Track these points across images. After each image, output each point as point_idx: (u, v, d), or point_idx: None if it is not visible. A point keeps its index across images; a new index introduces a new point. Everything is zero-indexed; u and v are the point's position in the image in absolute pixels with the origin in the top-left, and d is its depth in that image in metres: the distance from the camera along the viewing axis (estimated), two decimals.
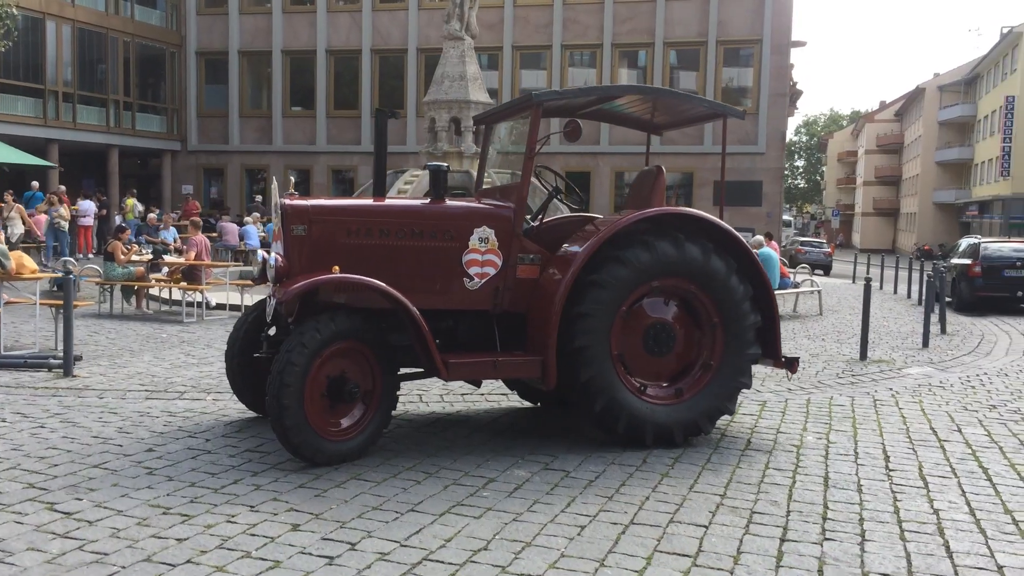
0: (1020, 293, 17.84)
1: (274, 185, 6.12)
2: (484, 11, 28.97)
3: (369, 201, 6.34)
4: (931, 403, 7.93)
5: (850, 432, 6.69)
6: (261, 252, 6.59)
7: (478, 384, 7.31)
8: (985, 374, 9.75)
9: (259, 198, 32.31)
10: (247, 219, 25.52)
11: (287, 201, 5.97)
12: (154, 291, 14.95)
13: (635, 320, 6.17)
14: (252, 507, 4.70)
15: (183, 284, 13.85)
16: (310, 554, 4.08)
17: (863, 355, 10.51)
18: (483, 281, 6.15)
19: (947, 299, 18.00)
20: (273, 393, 5.28)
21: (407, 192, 18.41)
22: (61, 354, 9.18)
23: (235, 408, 7.12)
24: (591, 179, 31.69)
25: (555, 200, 6.93)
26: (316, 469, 5.39)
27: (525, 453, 5.92)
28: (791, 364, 6.60)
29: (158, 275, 14.71)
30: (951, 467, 5.77)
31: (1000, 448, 6.30)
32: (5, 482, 5.03)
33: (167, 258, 15.07)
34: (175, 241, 21.23)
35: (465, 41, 19.96)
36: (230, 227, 24.64)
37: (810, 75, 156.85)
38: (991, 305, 17.77)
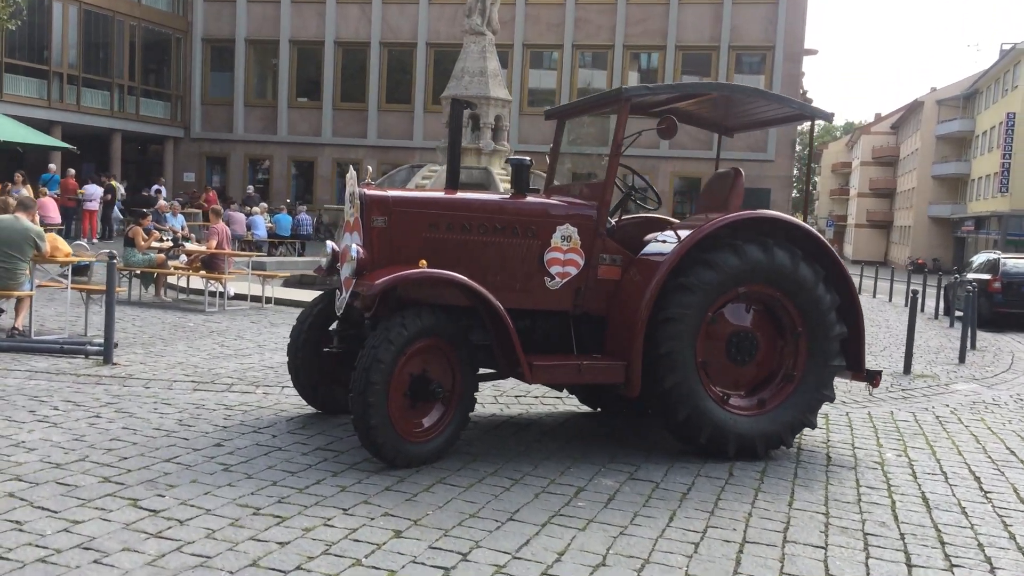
0: None
1: (351, 174, 5.89)
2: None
3: (452, 194, 6.12)
4: (994, 421, 7.79)
5: (927, 450, 6.53)
6: (331, 244, 6.37)
7: (560, 388, 7.13)
8: None
9: (251, 188, 31.89)
10: (255, 209, 25.24)
11: (368, 191, 5.75)
12: (172, 279, 14.66)
13: (718, 326, 5.99)
14: (345, 510, 4.48)
15: (204, 272, 13.58)
16: (423, 564, 3.87)
17: (907, 369, 10.36)
18: (564, 281, 5.95)
19: (959, 314, 17.96)
20: (358, 390, 5.05)
21: (424, 188, 18.16)
22: (93, 340, 8.93)
23: (290, 403, 6.90)
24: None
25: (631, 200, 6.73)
26: (396, 471, 5.18)
27: (605, 461, 5.72)
28: (873, 377, 6.43)
29: (177, 263, 14.43)
30: None
31: None
32: (78, 475, 4.79)
33: (188, 246, 14.76)
34: (183, 228, 20.93)
35: (487, 36, 19.72)
36: (237, 216, 24.36)
37: (809, 84, 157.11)
38: (1011, 321, 17.70)
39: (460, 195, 6.10)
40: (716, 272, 5.79)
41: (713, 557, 4.15)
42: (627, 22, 31.47)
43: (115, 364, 8.08)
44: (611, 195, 6.14)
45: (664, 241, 6.03)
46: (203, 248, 14.30)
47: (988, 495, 5.42)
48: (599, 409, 7.27)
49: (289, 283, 16.24)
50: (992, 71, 57.47)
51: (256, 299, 13.90)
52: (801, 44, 30.75)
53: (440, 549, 4.04)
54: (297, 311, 13.78)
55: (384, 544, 4.06)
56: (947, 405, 8.45)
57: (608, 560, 4.04)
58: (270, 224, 25.38)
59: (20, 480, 4.66)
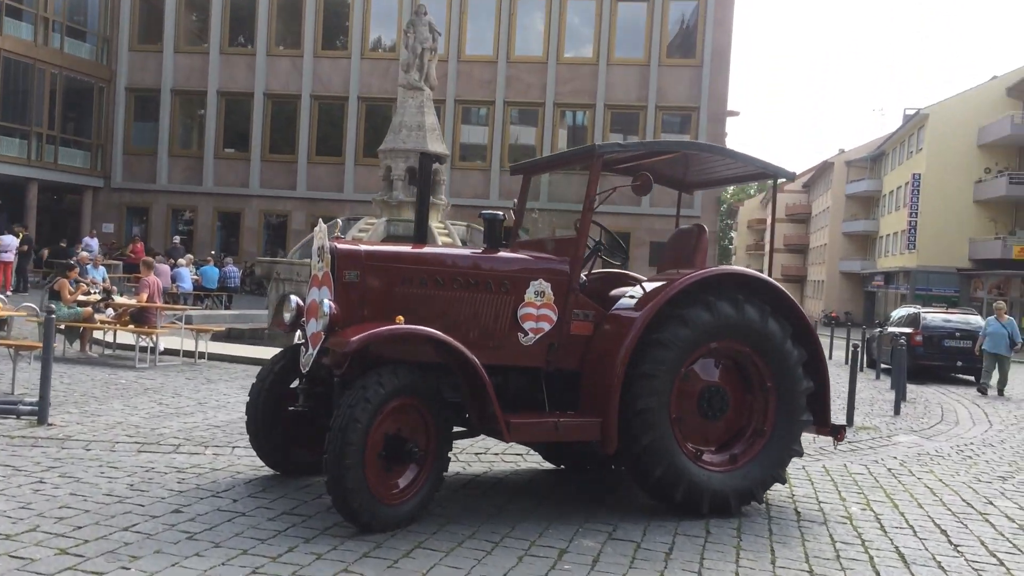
0: (959, 363, 18.42)
1: (320, 227, 5.74)
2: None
3: (425, 248, 6.01)
4: (944, 473, 7.95)
5: (887, 503, 6.61)
6: (294, 298, 6.17)
7: (535, 447, 7.03)
8: (970, 444, 9.89)
9: (177, 239, 31.18)
10: (180, 261, 24.59)
11: (340, 244, 5.61)
12: (98, 334, 14.08)
13: (690, 382, 5.98)
14: None
15: (134, 327, 13.09)
16: None
17: (849, 422, 10.54)
18: (537, 337, 5.88)
19: (884, 366, 18.50)
20: (335, 452, 4.86)
21: (361, 240, 17.96)
22: (24, 399, 8.46)
23: (244, 463, 6.63)
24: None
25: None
26: (370, 536, 4.97)
27: (581, 520, 5.61)
28: (838, 432, 6.50)
29: (104, 316, 13.88)
30: (1011, 542, 5.71)
31: None
32: (31, 547, 4.46)
33: (117, 299, 14.23)
34: (104, 281, 20.21)
35: (424, 92, 19.80)
36: (162, 268, 23.67)
37: (732, 144, 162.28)
38: (932, 373, 18.29)
39: (433, 249, 6.01)
40: (690, 328, 5.80)
41: None
42: (557, 81, 32.04)
43: (51, 425, 7.65)
44: (584, 250, 6.13)
45: (634, 297, 6.03)
46: (132, 301, 13.80)
47: (958, 548, 5.49)
48: (562, 466, 7.17)
49: (216, 337, 15.77)
50: (897, 134, 60.28)
51: (188, 354, 13.43)
52: (724, 105, 31.75)
53: None
54: (232, 367, 13.55)
55: None
56: (895, 457, 8.60)
57: None
58: (196, 276, 24.72)
59: None
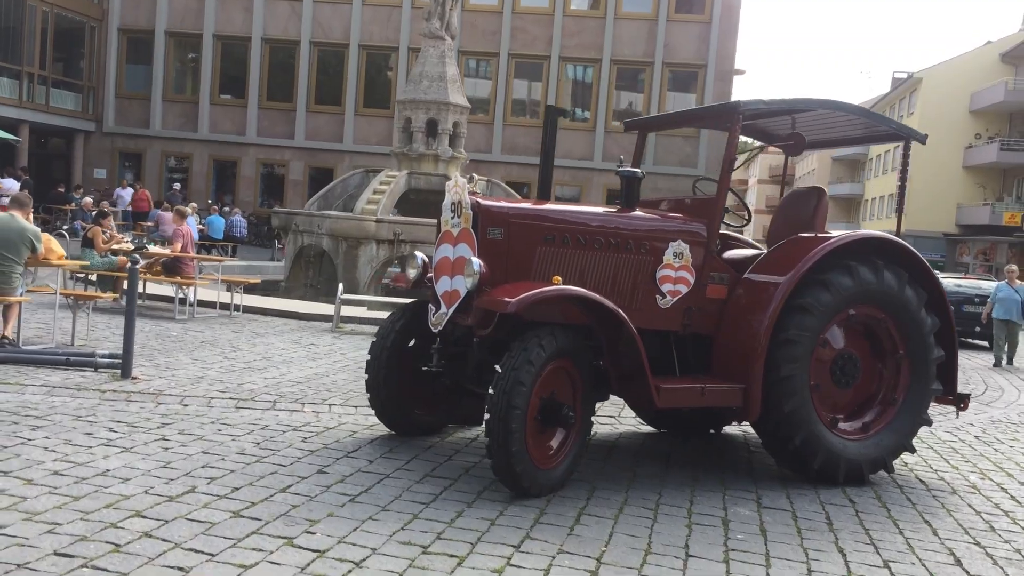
0: (977, 329, 18.57)
1: (457, 181, 5.53)
2: None
3: (568, 207, 5.83)
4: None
5: (1000, 471, 6.61)
6: (420, 255, 5.98)
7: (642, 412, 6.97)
8: None
9: (177, 186, 30.67)
10: (186, 209, 24.07)
11: (484, 202, 5.41)
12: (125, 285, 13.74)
13: (825, 349, 5.89)
14: (516, 547, 4.16)
15: (165, 277, 12.80)
16: None
17: None
18: (675, 299, 5.76)
19: None
20: (499, 416, 4.72)
21: (384, 193, 17.67)
22: (95, 351, 8.22)
23: (354, 422, 6.50)
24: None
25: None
26: (529, 501, 4.86)
27: (718, 487, 5.53)
28: (962, 401, 6.46)
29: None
30: None
31: None
32: (201, 510, 4.30)
33: (152, 248, 13.89)
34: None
35: (446, 41, 19.36)
36: (166, 216, 23.22)
37: None
38: None
39: (575, 208, 5.83)
40: (832, 294, 5.70)
41: None
42: (563, 33, 31.53)
43: (135, 379, 7.43)
44: (723, 211, 5.99)
45: (776, 261, 5.89)
46: (166, 251, 13.48)
47: None
48: (663, 430, 7.09)
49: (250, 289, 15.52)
50: (888, 97, 60.30)
51: (224, 306, 13.17)
52: (732, 63, 31.46)
53: None
54: (270, 320, 13.31)
55: None
56: (973, 424, 8.61)
57: None
58: (202, 226, 24.26)
59: (144, 517, 4.14)
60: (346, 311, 12.95)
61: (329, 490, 4.79)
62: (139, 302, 13.35)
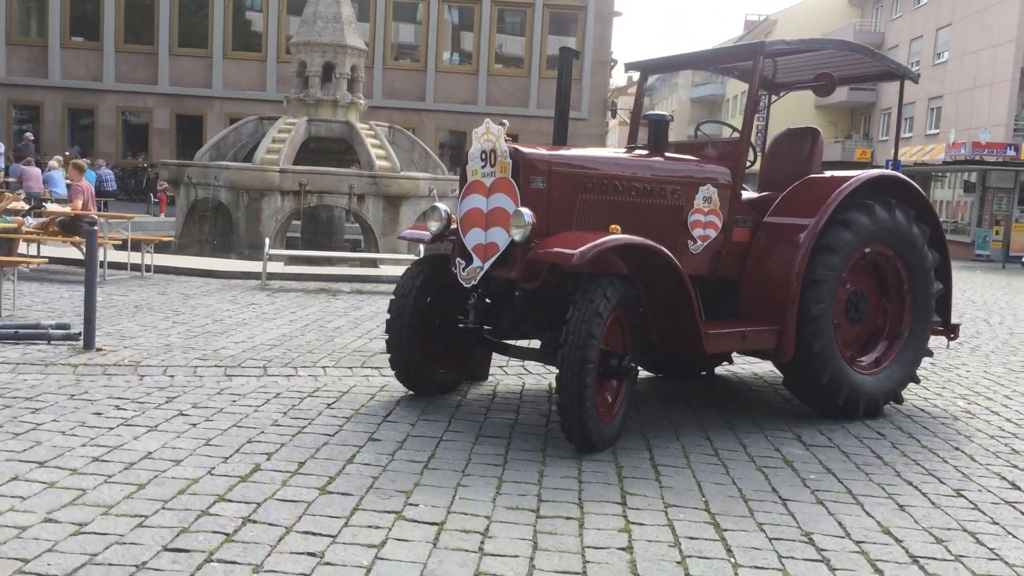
0: None
1: (491, 128, 5.26)
2: None
3: (604, 152, 5.67)
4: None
5: (979, 397, 7.00)
6: (442, 206, 5.70)
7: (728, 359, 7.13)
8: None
9: (30, 135, 28.33)
10: (51, 163, 22.30)
11: (526, 150, 5.18)
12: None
13: (843, 288, 6.02)
14: (621, 503, 4.07)
15: (72, 238, 11.85)
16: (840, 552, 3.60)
17: None
18: (705, 244, 5.75)
19: None
20: (573, 371, 4.59)
21: (284, 142, 16.87)
22: (40, 322, 7.52)
23: (365, 385, 6.21)
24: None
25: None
26: (594, 455, 4.78)
27: (754, 428, 5.62)
28: (954, 330, 6.76)
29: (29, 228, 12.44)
30: None
31: None
32: (287, 488, 4.00)
33: (49, 207, 12.78)
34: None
35: None
36: (32, 171, 21.56)
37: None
38: None
39: (612, 154, 5.68)
40: (853, 233, 5.81)
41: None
42: None
43: (99, 349, 6.84)
44: (747, 153, 5.97)
45: (797, 202, 5.93)
46: (66, 209, 12.46)
47: None
48: (659, 374, 7.14)
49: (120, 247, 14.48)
50: (743, 39, 62.21)
51: (136, 267, 12.32)
52: (611, 5, 31.58)
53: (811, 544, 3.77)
54: (186, 280, 12.51)
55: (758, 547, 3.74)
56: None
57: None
58: (68, 180, 22.54)
59: (230, 501, 3.82)
60: (255, 267, 12.32)
61: (395, 458, 4.55)
62: (38, 265, 12.37)
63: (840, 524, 3.98)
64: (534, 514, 3.88)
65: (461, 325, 5.62)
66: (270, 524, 3.58)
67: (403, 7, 31.37)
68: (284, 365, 6.72)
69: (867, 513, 4.15)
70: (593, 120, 31.47)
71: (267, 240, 12.35)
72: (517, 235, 4.98)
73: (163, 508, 3.69)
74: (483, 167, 5.31)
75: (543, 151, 5.29)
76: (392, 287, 12.03)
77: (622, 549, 3.55)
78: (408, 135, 19.94)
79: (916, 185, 6.38)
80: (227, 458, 4.39)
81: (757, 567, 3.47)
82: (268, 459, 4.41)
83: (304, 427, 5.02)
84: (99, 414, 5.05)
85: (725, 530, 3.83)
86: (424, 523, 3.69)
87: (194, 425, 4.94)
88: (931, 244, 6.31)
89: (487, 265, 5.25)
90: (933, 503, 4.35)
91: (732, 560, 3.51)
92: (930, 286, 6.30)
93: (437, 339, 5.88)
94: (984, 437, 5.70)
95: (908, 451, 5.28)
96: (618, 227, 4.99)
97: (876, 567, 3.52)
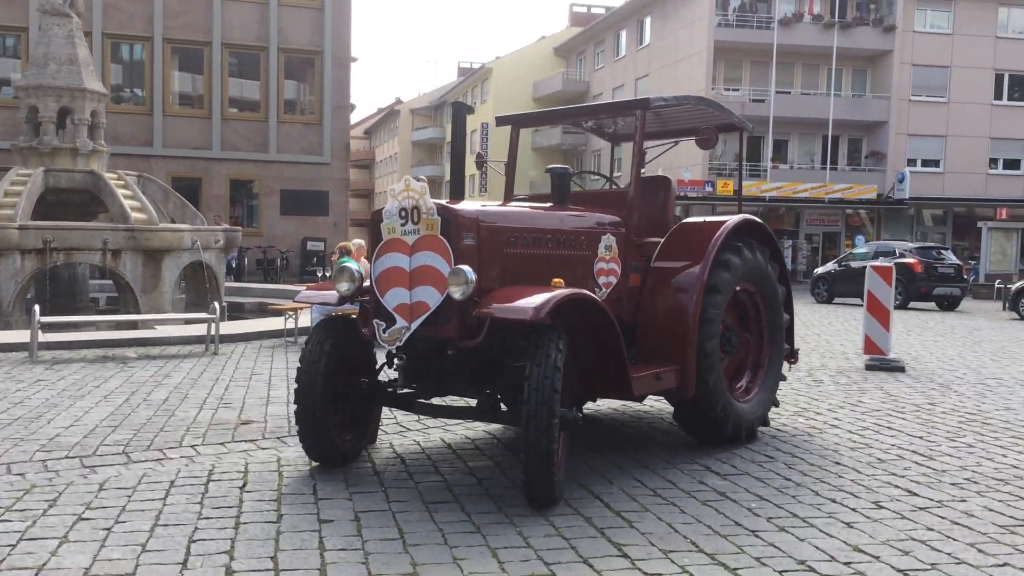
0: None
1: (413, 185, 5.09)
2: None
3: (520, 208, 5.63)
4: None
5: (817, 413, 7.77)
6: (353, 266, 5.41)
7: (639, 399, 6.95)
8: None
9: None
10: None
11: (456, 207, 5.07)
12: None
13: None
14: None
15: None
16: None
17: None
18: (608, 291, 5.93)
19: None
20: (542, 428, 4.52)
21: (20, 195, 15.13)
22: None
23: (260, 460, 5.71)
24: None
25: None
26: (559, 509, 4.76)
27: (660, 463, 5.85)
28: (794, 355, 7.42)
29: None
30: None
31: None
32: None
33: None
34: None
35: (72, 20, 17.00)
36: None
37: None
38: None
39: (527, 209, 5.67)
40: (730, 273, 6.26)
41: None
42: (165, 13, 29.06)
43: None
44: (638, 202, 6.23)
45: (680, 247, 6.26)
46: None
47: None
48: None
49: None
50: (461, 86, 64.69)
51: None
52: (348, 50, 31.48)
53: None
54: None
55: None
56: None
57: None
58: None
59: None
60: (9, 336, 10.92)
61: (366, 539, 4.24)
62: None
63: (817, 548, 4.26)
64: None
65: (395, 392, 5.37)
66: None
67: (119, 47, 29.31)
68: (146, 448, 6.02)
69: (827, 534, 4.47)
70: (336, 164, 31.09)
71: (36, 307, 10.93)
72: (457, 294, 4.86)
73: None
74: (403, 225, 5.14)
75: (469, 207, 5.22)
76: (177, 349, 11.29)
77: None
78: (160, 183, 18.64)
79: (767, 227, 7.01)
80: (184, 563, 3.86)
81: None
82: (231, 559, 3.94)
83: (239, 516, 4.53)
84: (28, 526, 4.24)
85: (736, 569, 3.96)
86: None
87: (109, 530, 4.29)
88: (779, 279, 6.95)
89: (415, 325, 5.07)
90: (868, 517, 4.77)
91: None
92: (781, 317, 6.93)
93: (343, 406, 5.58)
94: (846, 451, 6.34)
95: (805, 471, 5.74)
96: (561, 281, 5.03)
97: None
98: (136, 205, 15.82)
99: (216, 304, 11.88)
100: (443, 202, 5.11)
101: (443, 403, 6.02)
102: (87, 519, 4.46)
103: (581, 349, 5.31)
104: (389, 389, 5.49)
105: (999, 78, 41.60)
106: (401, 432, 6.70)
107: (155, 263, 15.14)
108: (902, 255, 23.21)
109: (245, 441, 6.31)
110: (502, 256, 5.24)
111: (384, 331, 5.17)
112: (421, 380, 5.33)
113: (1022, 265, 35.15)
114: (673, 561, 4.03)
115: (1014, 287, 21.61)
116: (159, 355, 10.92)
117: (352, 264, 5.45)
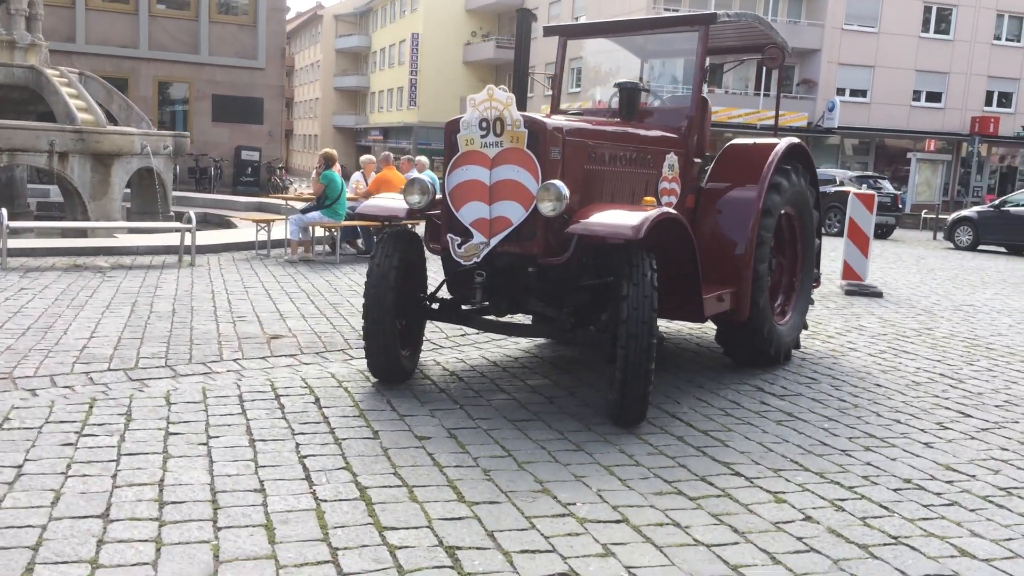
0: None
1: (496, 93, 4.88)
2: None
3: (599, 122, 5.45)
4: None
5: (831, 336, 7.97)
6: (425, 177, 5.21)
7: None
8: None
9: None
10: None
11: (544, 119, 4.90)
12: None
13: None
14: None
15: None
16: None
17: None
18: None
19: None
20: (643, 347, 4.51)
21: None
22: None
23: (314, 374, 5.54)
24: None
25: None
26: (644, 434, 4.80)
27: (713, 384, 5.94)
28: (817, 279, 7.52)
29: None
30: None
31: None
32: (446, 492, 3.53)
33: None
34: None
35: None
36: None
37: None
38: None
39: (606, 124, 5.51)
40: (780, 196, 6.28)
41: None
42: None
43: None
44: (701, 120, 6.13)
45: (734, 167, 6.23)
46: None
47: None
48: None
49: None
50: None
51: None
52: None
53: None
54: None
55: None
56: None
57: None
58: None
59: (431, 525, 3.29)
60: None
61: (477, 457, 4.18)
62: None
63: (913, 467, 4.40)
64: (689, 496, 3.82)
65: (465, 307, 5.24)
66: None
67: None
68: (188, 362, 5.78)
69: (912, 454, 4.62)
70: (271, 70, 29.85)
71: (2, 211, 10.27)
72: (549, 210, 4.73)
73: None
74: (483, 136, 4.95)
75: (559, 121, 5.05)
76: (149, 259, 10.84)
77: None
78: (102, 82, 17.54)
79: (809, 151, 7.02)
80: (308, 479, 3.74)
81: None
82: (354, 475, 3.83)
83: (334, 432, 4.41)
84: (77, 446, 4.02)
85: (852, 487, 4.06)
86: (609, 523, 3.48)
87: (206, 445, 4.12)
88: (814, 205, 7.02)
89: (494, 241, 4.94)
90: (940, 438, 4.94)
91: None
92: (814, 242, 7.02)
93: (405, 320, 5.44)
94: (879, 373, 6.54)
95: (854, 392, 5.90)
96: (653, 199, 4.95)
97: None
98: (82, 105, 14.91)
99: (190, 213, 11.38)
100: (530, 114, 4.93)
101: (509, 320, 5.87)
102: (176, 433, 4.27)
103: (661, 270, 5.27)
104: (464, 308, 5.36)
105: (927, 9, 42.41)
106: (436, 350, 6.59)
107: (104, 168, 14.41)
108: (841, 183, 23.74)
109: (285, 356, 6.12)
110: (582, 172, 5.12)
111: (460, 246, 5.02)
112: (495, 296, 5.21)
113: (946, 197, 36.51)
114: (788, 480, 4.11)
115: (950, 218, 22.45)
116: (133, 265, 10.46)
117: (426, 176, 5.26)
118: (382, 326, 5.18)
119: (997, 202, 21.68)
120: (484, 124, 4.94)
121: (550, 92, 6.79)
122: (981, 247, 20.78)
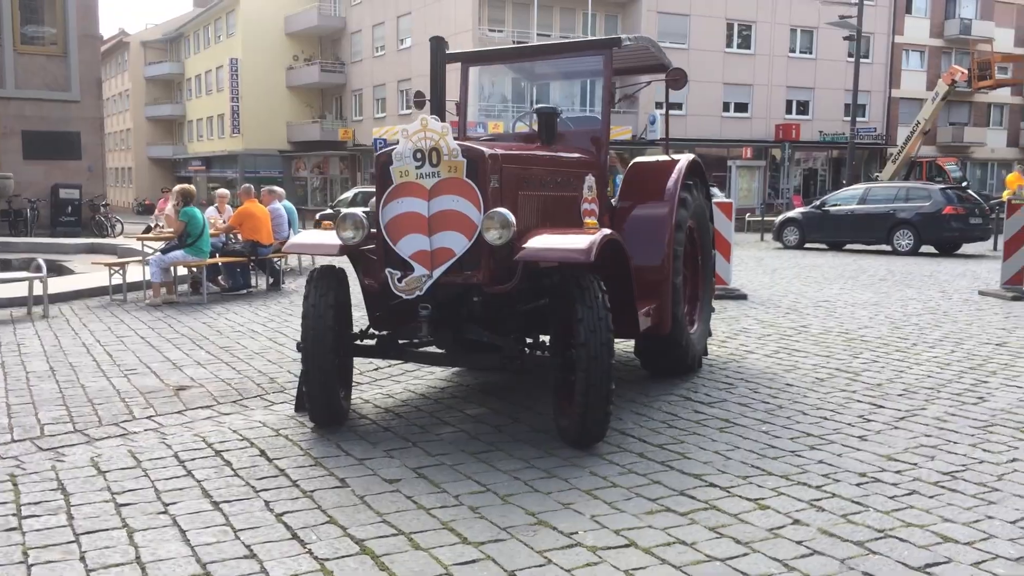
0: None
1: (431, 123, 4.78)
2: None
3: (525, 148, 5.42)
4: None
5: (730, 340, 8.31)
6: (357, 212, 5.03)
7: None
8: None
9: None
10: None
11: (482, 147, 4.85)
12: None
13: None
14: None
15: None
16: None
17: None
18: None
19: None
20: (603, 369, 4.53)
21: None
22: None
23: (240, 422, 5.25)
24: None
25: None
26: (616, 448, 4.84)
27: (661, 393, 6.08)
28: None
29: None
30: None
31: None
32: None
33: None
34: None
35: None
36: None
37: None
38: None
39: (533, 149, 5.49)
40: (687, 210, 6.51)
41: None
42: None
43: None
44: (608, 143, 6.24)
45: (642, 185, 6.40)
46: None
47: None
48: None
49: None
50: (200, 18, 60.43)
51: None
52: None
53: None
54: None
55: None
56: None
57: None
58: None
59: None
60: None
61: (441, 491, 4.09)
62: None
63: (859, 460, 4.65)
64: (684, 510, 3.88)
65: (416, 339, 5.10)
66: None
67: None
68: (97, 425, 5.34)
69: (852, 448, 4.88)
70: (88, 102, 28.10)
71: None
72: (495, 238, 4.70)
73: None
74: (419, 167, 4.86)
75: (495, 149, 5.02)
76: None
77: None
78: None
79: (702, 166, 7.30)
80: (297, 538, 3.53)
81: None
82: (343, 528, 3.65)
83: (298, 484, 4.18)
84: (24, 531, 3.61)
85: (819, 486, 4.25)
86: (621, 546, 3.49)
87: (167, 514, 3.81)
88: (710, 218, 7.32)
89: (437, 273, 4.86)
90: (869, 430, 5.25)
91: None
92: (712, 252, 7.32)
93: (338, 360, 5.25)
94: (784, 372, 6.89)
95: (773, 394, 6.19)
96: (595, 222, 5.01)
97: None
98: None
99: (39, 260, 10.51)
100: (466, 143, 4.89)
101: (433, 351, 5.76)
102: (127, 504, 3.93)
103: None
104: (414, 341, 5.22)
105: (730, 26, 45.28)
106: (355, 387, 6.39)
107: None
108: None
109: (201, 407, 5.77)
110: (517, 198, 5.12)
111: (400, 280, 4.91)
112: (439, 329, 5.11)
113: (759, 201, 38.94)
114: (760, 485, 4.25)
115: (777, 220, 23.97)
116: None
117: (357, 210, 5.09)
118: (323, 368, 4.98)
119: (818, 203, 23.30)
120: (419, 155, 4.86)
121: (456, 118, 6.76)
122: (807, 245, 22.29)
